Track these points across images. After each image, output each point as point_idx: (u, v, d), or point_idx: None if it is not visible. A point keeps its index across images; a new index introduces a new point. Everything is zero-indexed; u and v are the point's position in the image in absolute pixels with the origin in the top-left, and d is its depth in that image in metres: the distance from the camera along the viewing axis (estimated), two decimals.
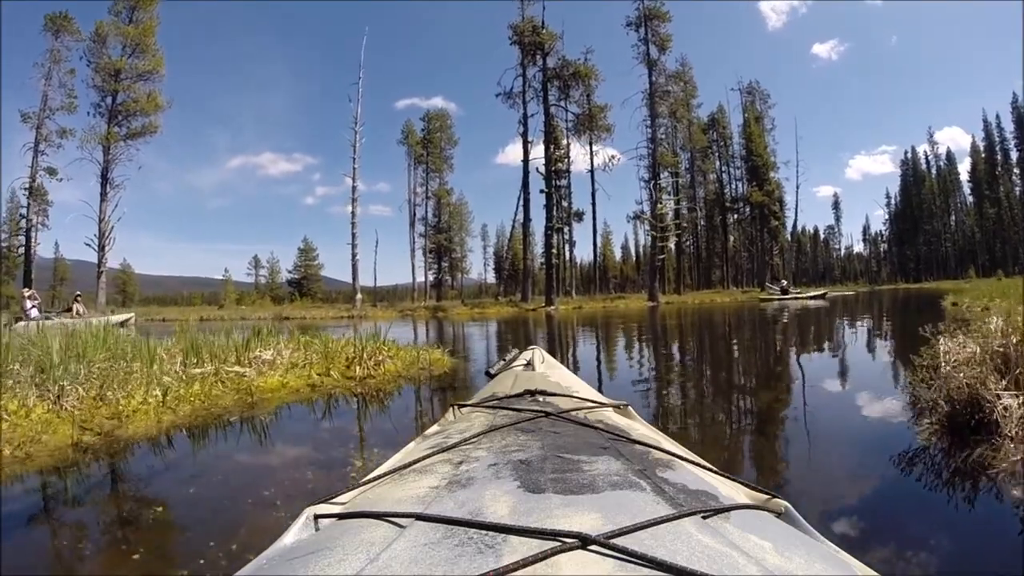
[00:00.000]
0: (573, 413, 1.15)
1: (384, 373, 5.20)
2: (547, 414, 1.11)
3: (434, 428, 1.24)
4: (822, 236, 75.73)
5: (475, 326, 17.24)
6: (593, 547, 0.51)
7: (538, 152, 31.20)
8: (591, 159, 36.81)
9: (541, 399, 1.33)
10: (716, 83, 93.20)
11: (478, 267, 64.18)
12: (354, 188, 35.64)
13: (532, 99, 31.31)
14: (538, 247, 36.00)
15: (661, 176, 34.15)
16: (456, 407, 1.35)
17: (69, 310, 20.54)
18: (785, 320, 13.92)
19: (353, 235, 35.13)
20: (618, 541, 0.52)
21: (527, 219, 30.88)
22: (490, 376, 1.99)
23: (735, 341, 9.94)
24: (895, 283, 55.41)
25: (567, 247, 41.73)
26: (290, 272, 56.56)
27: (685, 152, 44.23)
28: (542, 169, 30.20)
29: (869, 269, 70.46)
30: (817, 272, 68.22)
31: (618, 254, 71.00)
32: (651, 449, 0.91)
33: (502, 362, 2.20)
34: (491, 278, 59.88)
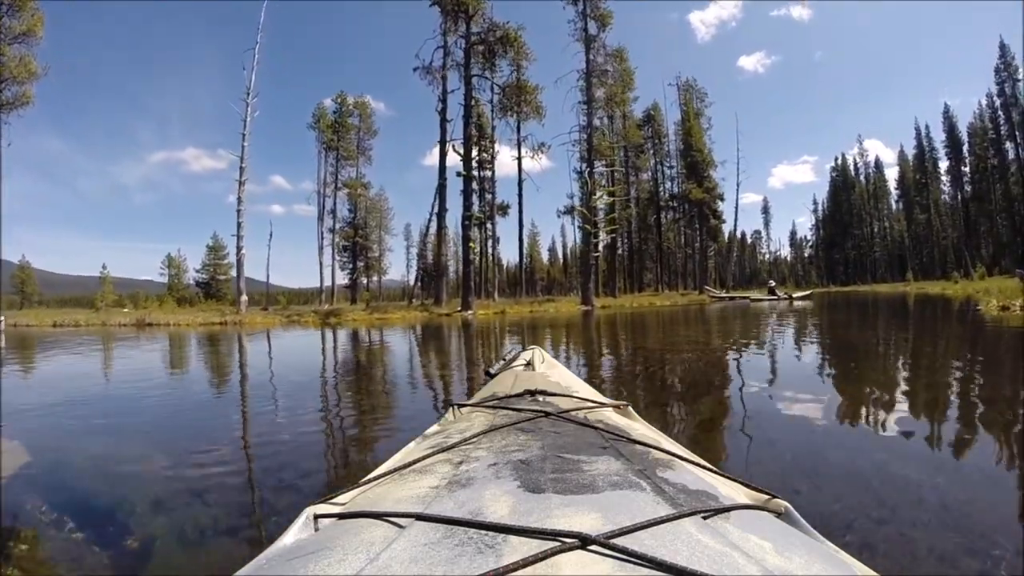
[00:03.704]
0: (573, 413, 1.13)
1: None
2: (547, 414, 1.09)
3: (434, 428, 1.20)
4: (749, 241, 76.64)
5: (344, 342, 12.54)
6: (593, 547, 0.51)
7: (458, 133, 26.55)
8: (518, 144, 32.72)
9: (541, 399, 1.31)
10: (648, 92, 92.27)
11: (401, 269, 59.63)
12: (242, 169, 29.62)
13: (452, 68, 26.61)
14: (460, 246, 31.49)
15: (596, 166, 30.49)
16: (456, 407, 1.32)
17: None
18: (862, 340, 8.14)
19: (239, 224, 29.14)
20: (618, 541, 0.51)
21: (443, 209, 26.12)
22: (490, 376, 1.94)
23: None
24: (826, 287, 55.05)
25: (490, 244, 37.51)
26: (198, 271, 50.22)
27: (620, 149, 41.12)
28: (460, 148, 25.51)
29: (795, 273, 71.50)
30: (744, 276, 68.59)
31: (545, 256, 68.32)
32: (651, 449, 0.90)
33: (502, 362, 2.16)
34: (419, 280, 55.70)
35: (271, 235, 35.03)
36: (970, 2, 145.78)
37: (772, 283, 30.94)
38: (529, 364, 1.95)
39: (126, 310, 35.83)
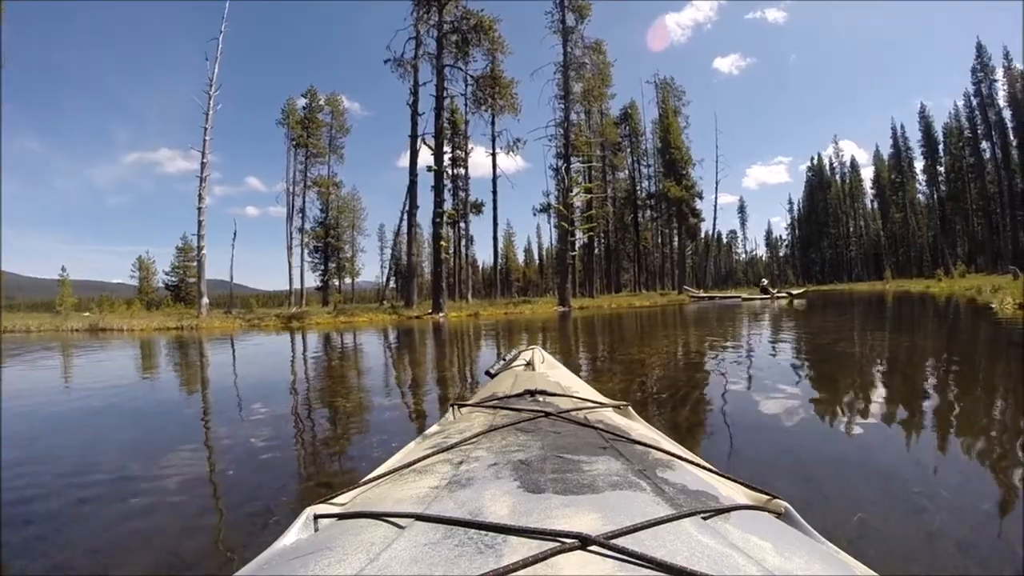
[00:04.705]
0: (573, 413, 1.12)
1: None
2: (547, 414, 1.08)
3: (434, 428, 1.20)
4: (725, 241, 76.71)
5: (289, 353, 11.33)
6: (593, 547, 0.51)
7: (430, 127, 25.29)
8: (493, 140, 31.67)
9: (541, 399, 1.30)
10: (623, 94, 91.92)
11: (376, 270, 58.15)
12: (203, 164, 27.96)
13: (424, 59, 25.25)
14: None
15: (573, 162, 29.53)
16: (456, 407, 1.32)
17: None
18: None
19: (199, 223, 27.48)
20: (618, 541, 0.51)
21: (413, 206, 24.87)
22: (490, 376, 1.92)
23: None
24: (803, 286, 54.93)
25: (464, 244, 36.34)
26: (167, 274, 48.25)
27: (597, 146, 40.27)
28: (431, 142, 24.31)
29: (771, 272, 71.63)
30: (720, 275, 68.51)
31: (521, 257, 67.28)
32: (651, 449, 0.90)
33: (502, 362, 2.13)
34: (390, 281, 54.34)
35: (235, 235, 33.48)
36: (943, 3, 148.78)
37: (765, 281, 30.30)
38: (529, 364, 1.94)
39: (87, 315, 33.80)
